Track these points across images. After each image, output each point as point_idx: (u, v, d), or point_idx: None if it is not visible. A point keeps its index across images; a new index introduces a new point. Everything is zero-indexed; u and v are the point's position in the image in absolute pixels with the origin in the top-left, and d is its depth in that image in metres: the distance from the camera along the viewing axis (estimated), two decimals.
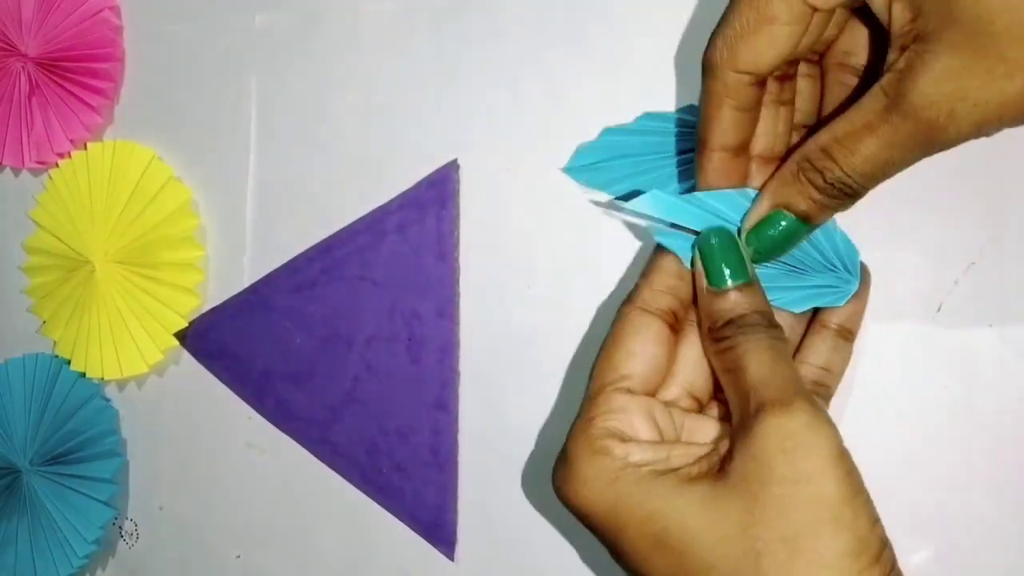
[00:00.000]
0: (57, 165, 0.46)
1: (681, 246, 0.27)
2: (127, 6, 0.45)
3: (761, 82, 0.26)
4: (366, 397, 0.39)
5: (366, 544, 0.40)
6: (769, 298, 0.27)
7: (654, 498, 0.24)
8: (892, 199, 0.30)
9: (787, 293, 0.28)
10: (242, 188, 0.42)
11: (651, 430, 0.26)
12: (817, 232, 0.27)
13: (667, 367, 0.28)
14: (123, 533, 0.46)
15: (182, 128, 0.44)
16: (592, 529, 0.26)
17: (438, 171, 0.37)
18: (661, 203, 0.27)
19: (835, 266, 0.28)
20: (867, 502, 0.23)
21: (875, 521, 0.23)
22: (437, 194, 0.37)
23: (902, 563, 0.30)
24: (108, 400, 0.46)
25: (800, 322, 0.29)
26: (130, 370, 0.43)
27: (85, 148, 0.44)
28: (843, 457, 0.23)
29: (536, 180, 0.35)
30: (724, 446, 0.25)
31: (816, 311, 0.29)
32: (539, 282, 0.36)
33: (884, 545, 0.23)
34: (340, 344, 0.39)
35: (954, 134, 0.23)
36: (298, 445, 0.41)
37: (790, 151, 0.27)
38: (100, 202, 0.43)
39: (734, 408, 0.25)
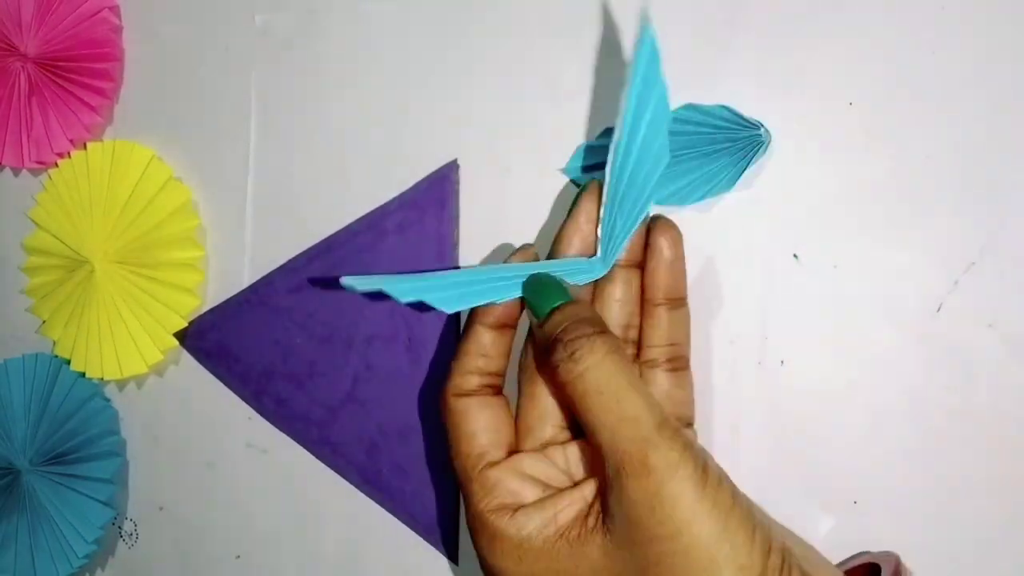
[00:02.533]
0: (57, 165, 0.45)
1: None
2: (127, 6, 0.45)
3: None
4: (366, 397, 0.39)
5: (366, 544, 0.40)
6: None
7: (558, 565, 0.26)
8: (892, 199, 0.30)
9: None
10: (242, 188, 0.42)
11: (531, 485, 0.28)
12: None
13: (507, 421, 0.29)
14: (123, 533, 0.46)
15: (182, 128, 0.44)
16: None
17: (438, 171, 0.37)
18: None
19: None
20: (740, 522, 0.24)
21: (751, 535, 0.24)
22: (437, 194, 0.37)
23: (905, 561, 0.30)
24: (108, 400, 0.46)
25: (637, 312, 0.30)
26: (130, 370, 0.43)
27: (85, 148, 0.44)
28: (705, 489, 0.24)
29: (536, 180, 0.35)
30: (590, 490, 0.26)
31: (643, 293, 0.30)
32: None
33: (767, 553, 0.24)
34: (340, 344, 0.39)
35: None
36: (298, 445, 0.41)
37: None
38: (100, 202, 0.43)
39: (593, 449, 0.26)
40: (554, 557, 0.26)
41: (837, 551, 0.30)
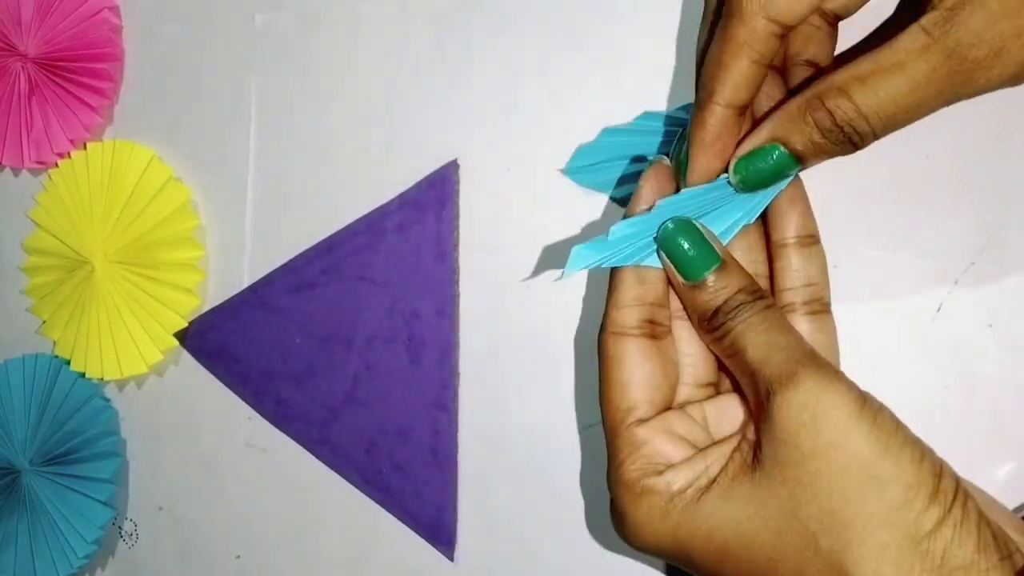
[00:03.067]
0: (57, 165, 0.46)
1: (645, 253, 0.27)
2: (127, 6, 0.45)
3: (783, 36, 0.25)
4: (366, 397, 0.39)
5: (366, 544, 0.40)
6: (725, 228, 0.27)
7: (706, 517, 0.25)
8: (892, 199, 0.30)
9: (734, 214, 0.27)
10: (242, 188, 0.42)
11: (679, 445, 0.26)
12: None
13: (667, 376, 0.27)
14: (123, 533, 0.46)
15: (182, 128, 0.44)
16: (667, 560, 0.27)
17: (438, 171, 0.37)
18: (602, 245, 0.26)
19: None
20: (905, 442, 0.23)
21: (920, 457, 0.23)
22: (437, 194, 0.37)
23: None
24: (108, 400, 0.46)
25: (764, 260, 0.29)
26: (130, 370, 0.43)
27: (85, 148, 0.44)
28: (864, 409, 0.23)
29: (536, 180, 0.35)
30: (751, 432, 0.25)
31: (768, 240, 0.29)
32: (539, 282, 0.36)
33: (939, 477, 0.23)
34: (340, 344, 0.39)
35: (996, 76, 0.22)
36: (298, 445, 0.41)
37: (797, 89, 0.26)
38: (100, 202, 0.43)
39: (748, 395, 0.25)
40: (703, 507, 0.25)
41: None
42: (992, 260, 0.29)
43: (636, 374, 0.27)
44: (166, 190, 0.42)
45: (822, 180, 0.31)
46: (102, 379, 0.44)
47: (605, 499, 0.34)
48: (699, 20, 0.33)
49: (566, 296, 0.35)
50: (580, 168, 0.34)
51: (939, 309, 0.30)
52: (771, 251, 0.29)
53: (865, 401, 0.23)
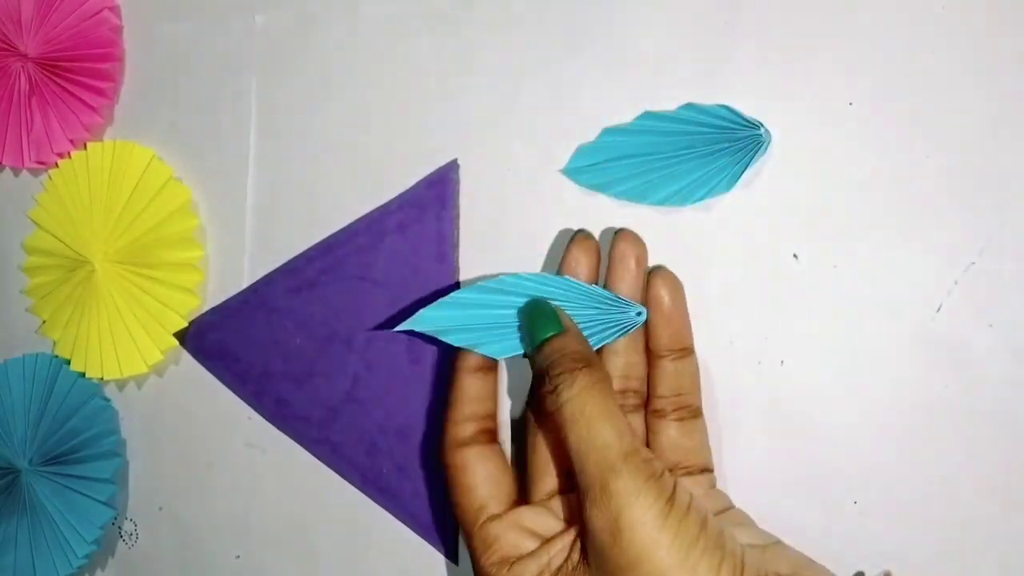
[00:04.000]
0: (57, 165, 0.45)
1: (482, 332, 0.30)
2: (127, 6, 0.45)
3: None
4: (366, 397, 0.39)
5: (366, 544, 0.40)
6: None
7: None
8: (892, 199, 0.30)
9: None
10: (242, 188, 0.42)
11: (529, 538, 0.28)
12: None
13: (507, 472, 0.30)
14: (123, 533, 0.46)
15: (182, 128, 0.44)
16: None
17: (438, 171, 0.37)
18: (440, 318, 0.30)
19: (617, 303, 0.30)
20: (705, 549, 0.24)
21: (719, 562, 0.24)
22: (437, 194, 0.37)
23: (905, 561, 0.30)
24: (108, 400, 0.46)
25: (641, 362, 0.31)
26: (130, 370, 0.43)
27: (85, 148, 0.44)
28: (668, 519, 0.24)
29: (536, 180, 0.35)
30: (580, 530, 0.26)
31: (646, 346, 0.31)
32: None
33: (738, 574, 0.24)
34: (340, 344, 0.39)
35: None
36: (298, 445, 0.41)
37: None
38: (100, 202, 0.43)
39: (577, 489, 0.26)
40: None
41: (837, 551, 0.30)
42: (992, 260, 0.29)
43: (479, 476, 0.29)
44: (166, 190, 0.42)
45: (822, 180, 0.31)
46: (102, 379, 0.44)
47: None
48: (700, 19, 0.33)
49: None
50: (580, 168, 0.34)
51: (939, 309, 0.30)
52: (648, 358, 0.31)
53: (672, 507, 0.24)
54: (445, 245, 0.37)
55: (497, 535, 0.28)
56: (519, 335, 0.30)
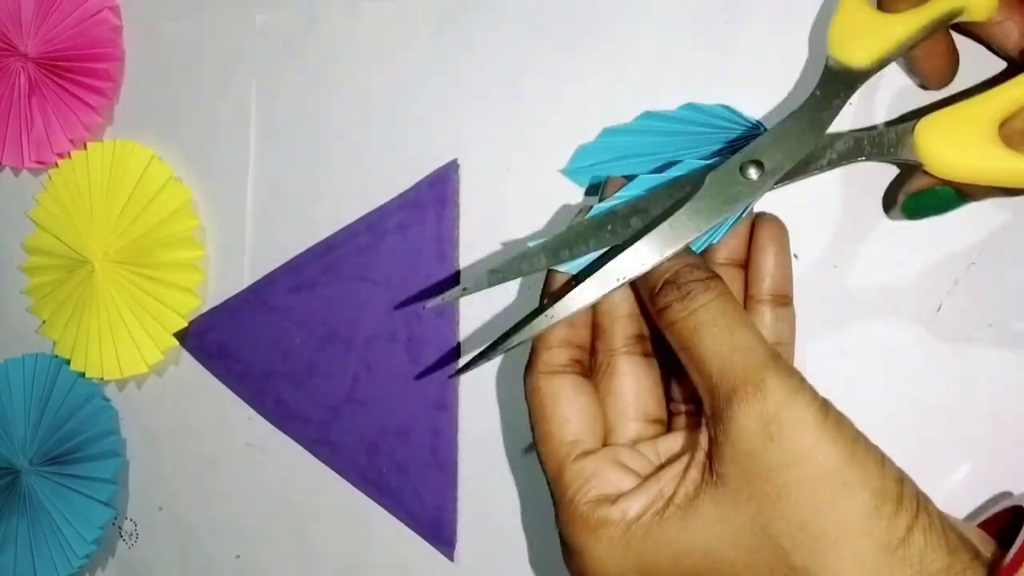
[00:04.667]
0: (57, 165, 0.46)
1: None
2: (127, 6, 0.45)
3: None
4: (366, 397, 0.39)
5: (366, 544, 0.40)
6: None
7: (669, 542, 0.23)
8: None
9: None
10: (242, 188, 0.42)
11: (629, 476, 0.26)
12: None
13: (601, 410, 0.27)
14: (123, 533, 0.46)
15: (182, 128, 0.44)
16: None
17: (438, 171, 0.37)
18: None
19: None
20: (867, 449, 0.23)
21: (882, 463, 0.22)
22: (437, 194, 0.37)
23: None
24: (108, 400, 0.46)
25: None
26: (130, 370, 0.43)
27: (85, 148, 0.44)
28: (827, 416, 0.22)
29: (536, 180, 0.35)
30: (703, 443, 0.24)
31: (746, 291, 0.29)
32: (539, 282, 0.36)
33: (901, 482, 0.22)
34: (340, 344, 0.39)
35: None
36: (298, 445, 0.41)
37: None
38: (100, 202, 0.43)
39: (704, 395, 0.24)
40: (665, 531, 0.24)
41: None
42: (992, 260, 0.29)
43: (575, 407, 0.26)
44: (166, 190, 0.42)
45: (822, 180, 0.31)
46: (102, 379, 0.44)
47: None
48: (700, 19, 0.33)
49: None
50: (580, 168, 0.34)
51: (939, 309, 0.30)
52: (746, 303, 0.29)
53: (828, 409, 0.23)
54: (445, 245, 0.37)
55: (595, 470, 0.25)
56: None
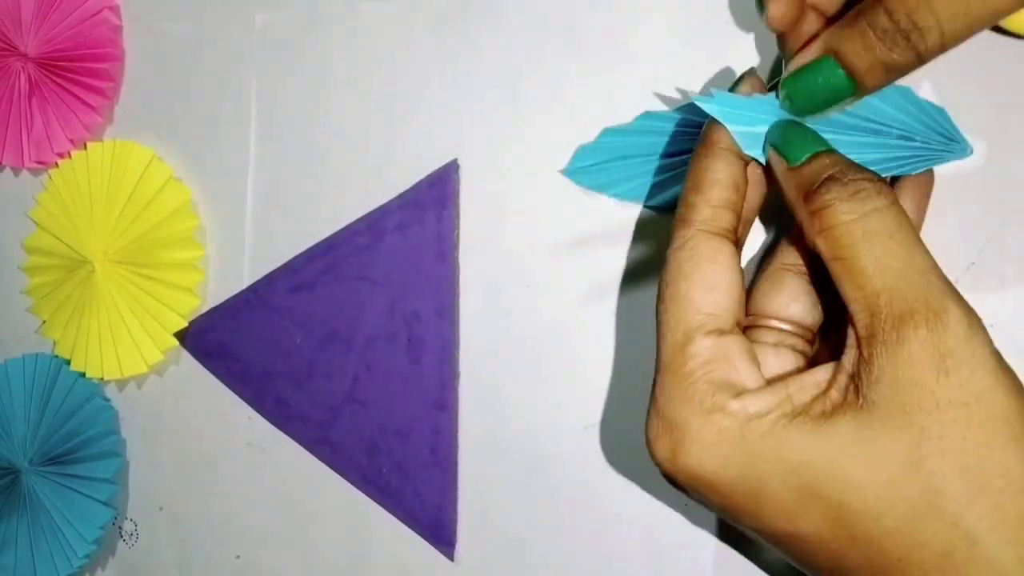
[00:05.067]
0: (57, 165, 0.46)
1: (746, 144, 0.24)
2: (127, 6, 0.45)
3: None
4: (366, 397, 0.39)
5: (366, 544, 0.40)
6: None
7: (793, 448, 0.21)
8: None
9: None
10: (242, 188, 0.42)
11: (756, 373, 0.23)
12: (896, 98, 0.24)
13: (743, 297, 0.24)
14: (123, 533, 0.46)
15: (182, 128, 0.44)
16: (715, 498, 0.23)
17: (438, 171, 0.37)
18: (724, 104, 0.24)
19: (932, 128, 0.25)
20: None
21: None
22: (437, 194, 0.37)
23: None
24: (108, 400, 0.46)
25: None
26: (130, 370, 0.43)
27: (85, 148, 0.44)
28: (1002, 363, 0.21)
29: (536, 180, 0.35)
30: (850, 363, 0.21)
31: None
32: (539, 282, 0.36)
33: None
34: (340, 344, 0.39)
35: None
36: (298, 445, 0.41)
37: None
38: (100, 202, 0.43)
39: (859, 313, 0.21)
40: (791, 437, 0.21)
41: None
42: (992, 260, 0.29)
43: (726, 279, 0.23)
44: (166, 190, 0.42)
45: None
46: (102, 379, 0.44)
47: (606, 499, 0.35)
48: (700, 19, 0.33)
49: (566, 296, 0.35)
50: (580, 168, 0.34)
51: None
52: None
53: (1001, 357, 0.21)
54: (445, 245, 0.37)
55: (726, 354, 0.22)
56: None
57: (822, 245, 0.22)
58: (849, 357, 0.22)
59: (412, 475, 0.38)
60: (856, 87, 0.22)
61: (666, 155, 0.32)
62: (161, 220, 0.42)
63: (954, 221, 0.30)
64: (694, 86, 0.32)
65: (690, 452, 0.22)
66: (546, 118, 0.35)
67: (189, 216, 0.43)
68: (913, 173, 0.25)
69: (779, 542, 0.22)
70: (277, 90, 0.41)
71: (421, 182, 0.37)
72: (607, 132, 0.34)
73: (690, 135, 0.32)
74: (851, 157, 0.23)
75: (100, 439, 0.45)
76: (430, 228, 0.37)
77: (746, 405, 0.22)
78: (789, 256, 0.27)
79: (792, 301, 0.26)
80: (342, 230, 0.39)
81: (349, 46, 0.39)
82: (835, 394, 0.21)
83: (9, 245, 0.49)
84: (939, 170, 0.30)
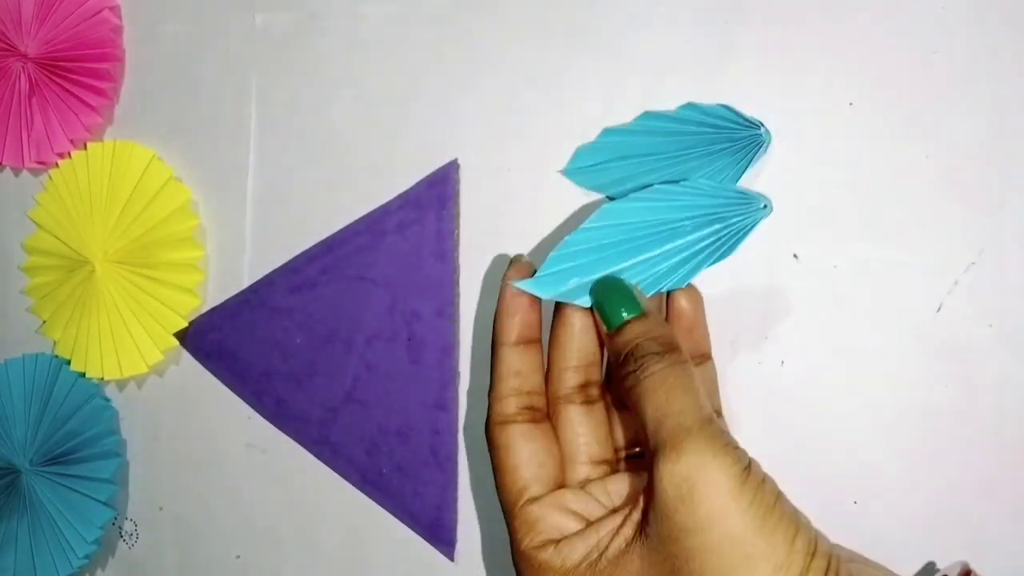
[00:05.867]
0: (57, 165, 0.46)
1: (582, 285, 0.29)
2: (127, 6, 0.45)
3: None
4: (366, 397, 0.39)
5: (366, 544, 0.40)
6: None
7: None
8: (892, 199, 0.30)
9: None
10: (242, 188, 0.42)
11: (573, 519, 0.27)
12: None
13: (551, 454, 0.29)
14: (123, 533, 0.46)
15: (182, 128, 0.44)
16: None
17: (438, 171, 0.37)
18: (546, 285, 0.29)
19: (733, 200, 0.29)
20: (780, 519, 0.23)
21: (794, 535, 0.23)
22: (437, 194, 0.37)
23: (905, 561, 0.30)
24: (108, 400, 0.46)
25: None
26: (130, 370, 0.43)
27: (85, 148, 0.44)
28: (745, 484, 0.23)
29: (536, 180, 0.35)
30: (642, 500, 0.25)
31: None
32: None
33: (811, 555, 0.23)
34: (340, 344, 0.39)
35: None
36: (298, 445, 0.41)
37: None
38: (100, 202, 0.43)
39: (646, 451, 0.25)
40: None
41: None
42: (992, 260, 0.29)
43: (522, 456, 0.28)
44: (166, 190, 0.42)
45: (822, 180, 0.31)
46: (102, 379, 0.44)
47: None
48: (700, 19, 0.33)
49: None
50: (580, 169, 0.34)
51: (939, 309, 0.30)
52: None
53: (748, 475, 0.23)
54: (445, 245, 0.37)
55: (539, 517, 0.27)
56: (657, 267, 0.29)
57: (628, 402, 0.26)
58: (642, 496, 0.25)
59: (412, 475, 0.38)
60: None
61: (666, 155, 0.32)
62: (161, 220, 0.42)
63: (954, 221, 0.30)
64: (694, 86, 0.32)
65: None
66: (546, 118, 0.35)
67: (189, 216, 0.43)
68: (706, 267, 0.29)
69: None
70: (277, 90, 0.41)
71: (421, 182, 0.37)
72: (607, 132, 0.34)
73: (690, 134, 0.32)
74: (657, 272, 0.29)
75: (100, 439, 0.45)
76: (430, 228, 0.37)
77: (565, 558, 0.26)
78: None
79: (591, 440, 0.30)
80: (342, 230, 0.39)
81: (349, 46, 0.39)
82: (628, 531, 0.25)
83: (9, 245, 0.49)
84: (939, 170, 0.30)
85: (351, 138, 0.39)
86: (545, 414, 0.30)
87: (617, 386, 0.27)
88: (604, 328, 0.28)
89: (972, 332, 0.29)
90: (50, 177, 0.46)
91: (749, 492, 0.23)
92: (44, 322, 0.46)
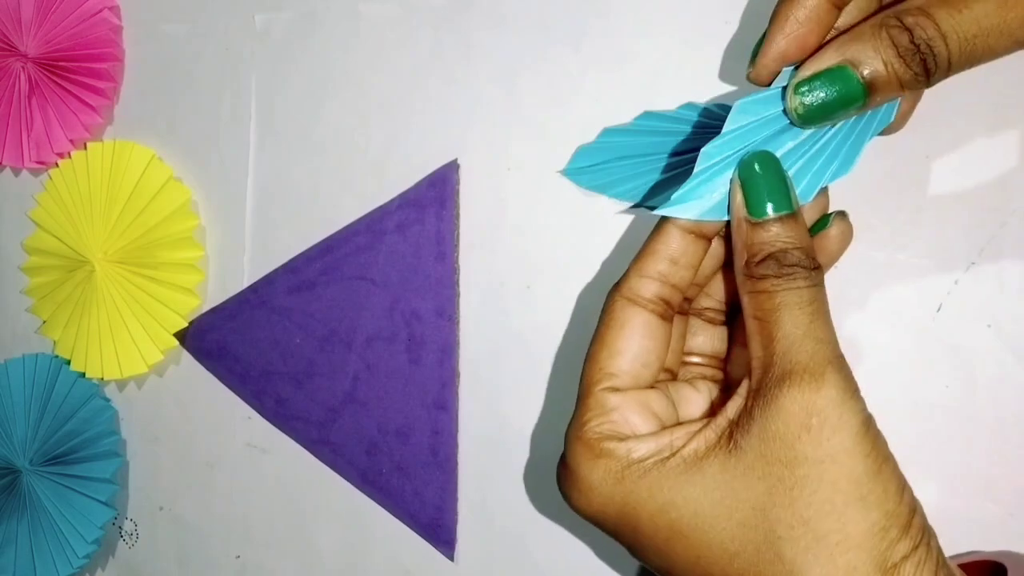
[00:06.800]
0: (57, 165, 0.46)
1: (708, 196, 0.25)
2: (127, 6, 0.45)
3: None
4: (366, 397, 0.39)
5: (366, 544, 0.40)
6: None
7: (663, 489, 0.23)
8: (892, 199, 0.30)
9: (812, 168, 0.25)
10: (242, 188, 0.42)
11: (649, 421, 0.25)
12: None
13: (658, 358, 0.26)
14: (123, 533, 0.46)
15: (182, 128, 0.44)
16: (608, 532, 0.25)
17: (438, 171, 0.37)
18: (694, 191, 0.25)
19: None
20: (894, 471, 0.23)
21: (902, 489, 0.23)
22: (437, 194, 0.37)
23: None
24: (108, 400, 0.46)
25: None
26: (130, 370, 0.43)
27: (85, 148, 0.44)
28: (869, 429, 0.22)
29: (536, 180, 0.35)
30: (733, 411, 0.24)
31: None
32: (539, 282, 0.36)
33: (913, 512, 0.23)
34: (340, 344, 0.39)
35: None
36: (298, 445, 0.41)
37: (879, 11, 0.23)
38: (100, 202, 0.43)
39: (756, 367, 0.24)
40: (661, 478, 0.24)
41: None
42: (992, 260, 0.29)
43: (632, 344, 0.26)
44: (166, 190, 0.42)
45: None
46: (102, 379, 0.44)
47: None
48: (701, 19, 0.33)
49: (566, 296, 0.35)
50: (580, 169, 0.34)
51: (939, 309, 0.30)
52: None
53: (870, 424, 0.23)
54: (445, 245, 0.37)
55: (616, 406, 0.25)
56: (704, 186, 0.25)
57: (747, 302, 0.24)
58: (734, 404, 0.24)
59: (412, 475, 0.38)
60: (867, 100, 0.23)
61: (666, 155, 0.32)
62: (161, 220, 0.42)
63: (954, 221, 0.30)
64: (694, 86, 0.32)
65: (580, 492, 0.25)
66: (546, 118, 0.35)
67: (189, 216, 0.43)
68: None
69: None
70: (277, 90, 0.41)
71: (421, 182, 0.37)
72: (607, 132, 0.34)
73: (690, 134, 0.32)
74: (816, 149, 0.24)
75: (100, 439, 0.45)
76: (430, 228, 0.37)
77: (629, 451, 0.24)
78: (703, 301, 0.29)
79: (695, 335, 0.29)
80: (342, 230, 0.39)
81: (349, 46, 0.39)
82: (710, 435, 0.24)
83: (9, 245, 0.49)
84: (939, 171, 0.30)
85: (351, 138, 0.39)
86: (673, 314, 0.26)
87: (740, 281, 0.24)
88: (743, 212, 0.24)
89: (972, 332, 0.29)
90: (50, 177, 0.46)
91: (871, 440, 0.22)
92: (44, 322, 0.46)
